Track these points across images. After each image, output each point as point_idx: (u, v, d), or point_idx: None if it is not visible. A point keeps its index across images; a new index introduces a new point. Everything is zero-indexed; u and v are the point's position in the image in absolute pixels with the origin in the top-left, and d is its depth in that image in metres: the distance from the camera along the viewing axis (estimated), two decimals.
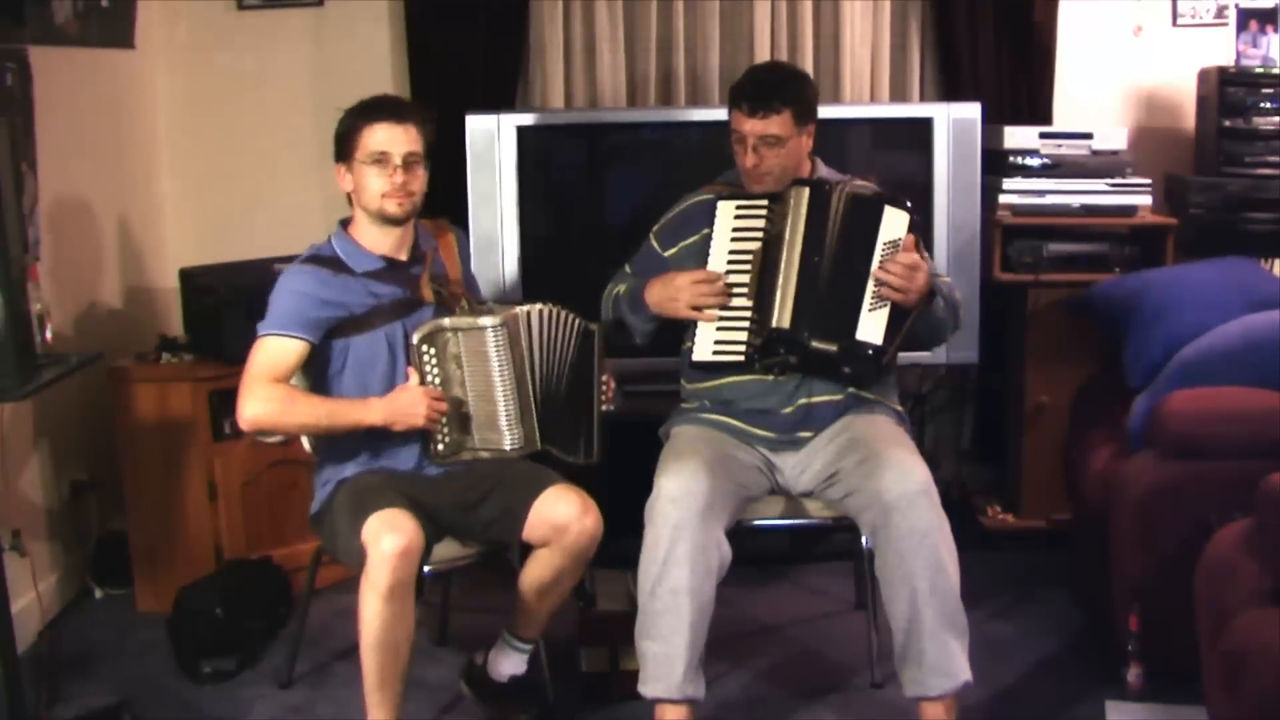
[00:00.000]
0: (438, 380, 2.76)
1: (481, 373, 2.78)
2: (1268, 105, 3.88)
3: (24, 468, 3.42)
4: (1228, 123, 3.90)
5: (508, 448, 2.82)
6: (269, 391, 2.67)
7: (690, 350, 2.93)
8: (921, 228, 2.85)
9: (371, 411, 2.72)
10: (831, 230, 2.82)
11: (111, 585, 3.69)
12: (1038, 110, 4.10)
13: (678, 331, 3.00)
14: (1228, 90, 3.89)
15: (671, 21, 4.14)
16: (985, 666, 2.89)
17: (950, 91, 4.11)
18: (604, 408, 2.91)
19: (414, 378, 2.74)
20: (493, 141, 3.64)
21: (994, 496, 4.08)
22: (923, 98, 4.19)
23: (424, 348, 2.74)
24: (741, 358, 2.87)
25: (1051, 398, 3.82)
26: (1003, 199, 3.80)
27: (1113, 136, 3.86)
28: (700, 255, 2.94)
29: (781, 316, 2.81)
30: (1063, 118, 4.14)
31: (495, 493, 2.80)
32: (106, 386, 3.56)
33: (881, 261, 2.76)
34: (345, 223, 2.87)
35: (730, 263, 2.90)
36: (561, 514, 2.73)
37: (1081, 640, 3.30)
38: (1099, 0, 4.20)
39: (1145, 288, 3.42)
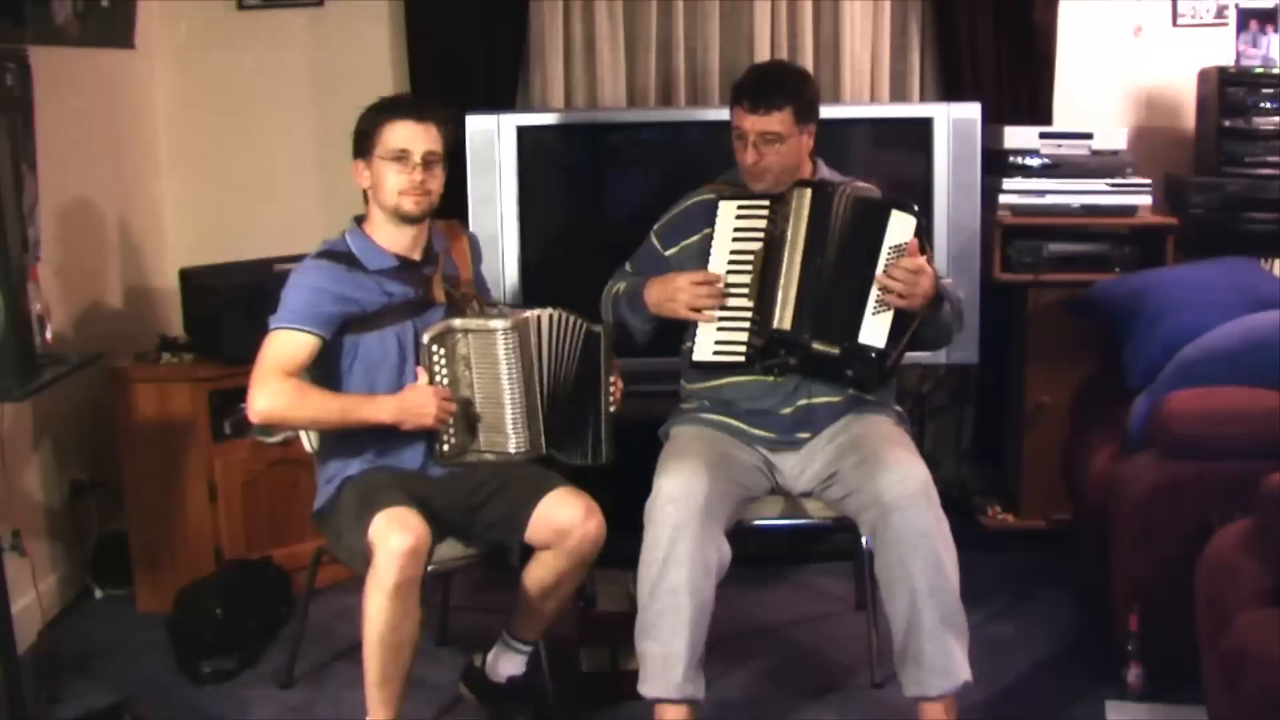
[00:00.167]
0: (445, 381, 2.76)
1: (490, 375, 2.78)
2: (1268, 105, 3.88)
3: (24, 468, 3.42)
4: (1228, 123, 3.90)
5: (512, 451, 2.81)
6: (281, 385, 2.67)
7: (690, 350, 2.93)
8: (927, 232, 2.85)
9: (382, 409, 2.72)
10: (834, 232, 2.82)
11: (111, 585, 3.68)
12: (1038, 110, 4.10)
13: (678, 332, 3.00)
14: (1228, 90, 3.89)
15: (671, 21, 4.13)
16: (985, 666, 2.89)
17: (950, 91, 4.11)
18: (612, 409, 2.91)
19: (423, 377, 2.74)
20: (493, 141, 3.64)
21: (994, 496, 4.09)
22: (923, 98, 4.18)
23: (434, 348, 2.74)
24: (742, 358, 2.87)
25: (1051, 398, 3.82)
26: (1003, 199, 3.80)
27: (1113, 136, 3.86)
28: (701, 255, 2.94)
29: (783, 318, 2.80)
30: (1063, 118, 4.13)
31: (499, 494, 2.80)
32: (106, 386, 3.56)
33: (886, 266, 2.76)
34: (360, 219, 2.87)
35: (731, 263, 2.90)
36: (565, 518, 2.73)
37: (1081, 640, 3.30)
38: (1099, 0, 4.20)
39: (1145, 288, 3.42)
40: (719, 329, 2.90)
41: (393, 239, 2.82)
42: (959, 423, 4.33)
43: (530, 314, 2.83)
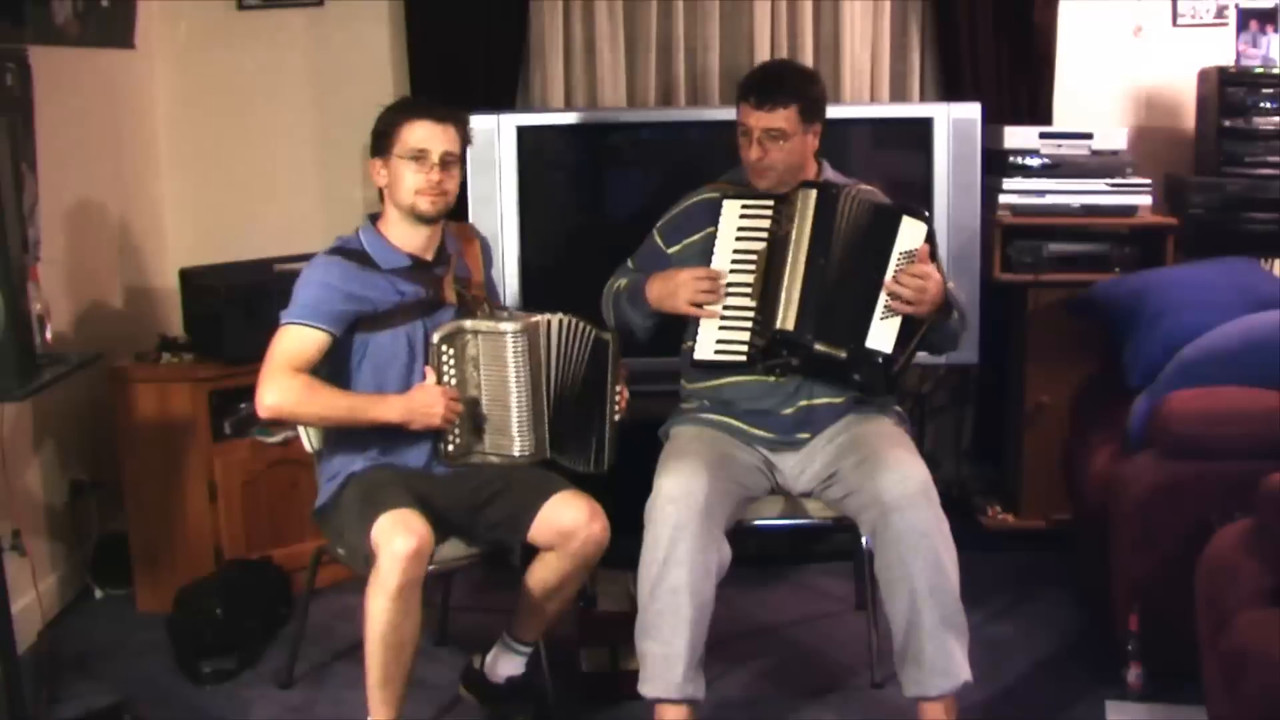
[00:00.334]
0: (454, 381, 2.76)
1: (498, 377, 2.78)
2: (1268, 105, 3.88)
3: (24, 468, 3.41)
4: (1228, 123, 3.90)
5: (517, 454, 2.81)
6: (290, 381, 2.67)
7: (691, 350, 2.92)
8: (935, 238, 2.85)
9: (390, 409, 2.72)
10: (839, 234, 2.81)
11: (111, 585, 3.68)
12: (1038, 110, 4.10)
13: (678, 331, 3.00)
14: (1228, 90, 3.89)
15: (671, 21, 4.13)
16: (985, 666, 2.89)
17: (950, 91, 4.10)
18: (617, 417, 2.91)
19: (431, 377, 2.74)
20: (493, 141, 3.64)
21: (994, 496, 4.09)
22: (923, 98, 4.18)
23: (443, 348, 2.74)
24: (743, 358, 2.87)
25: (1051, 398, 3.82)
26: (1003, 199, 3.80)
27: (1113, 136, 3.86)
28: (704, 253, 2.94)
29: (786, 318, 2.80)
30: (1063, 118, 4.13)
31: (503, 495, 2.80)
32: (106, 386, 3.56)
33: (896, 271, 2.76)
34: (374, 218, 2.87)
35: (734, 262, 2.90)
36: (569, 520, 2.73)
37: (1081, 640, 3.30)
38: (1099, 0, 4.20)
39: (1145, 288, 3.42)
40: (721, 328, 2.89)
41: (407, 238, 2.82)
42: (959, 423, 4.33)
43: (540, 318, 2.83)
